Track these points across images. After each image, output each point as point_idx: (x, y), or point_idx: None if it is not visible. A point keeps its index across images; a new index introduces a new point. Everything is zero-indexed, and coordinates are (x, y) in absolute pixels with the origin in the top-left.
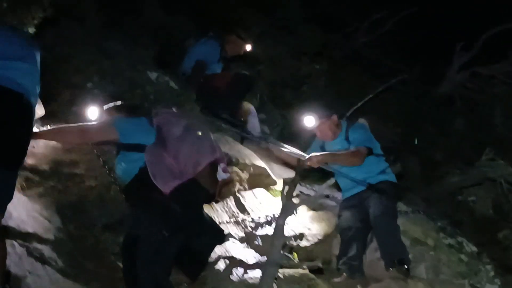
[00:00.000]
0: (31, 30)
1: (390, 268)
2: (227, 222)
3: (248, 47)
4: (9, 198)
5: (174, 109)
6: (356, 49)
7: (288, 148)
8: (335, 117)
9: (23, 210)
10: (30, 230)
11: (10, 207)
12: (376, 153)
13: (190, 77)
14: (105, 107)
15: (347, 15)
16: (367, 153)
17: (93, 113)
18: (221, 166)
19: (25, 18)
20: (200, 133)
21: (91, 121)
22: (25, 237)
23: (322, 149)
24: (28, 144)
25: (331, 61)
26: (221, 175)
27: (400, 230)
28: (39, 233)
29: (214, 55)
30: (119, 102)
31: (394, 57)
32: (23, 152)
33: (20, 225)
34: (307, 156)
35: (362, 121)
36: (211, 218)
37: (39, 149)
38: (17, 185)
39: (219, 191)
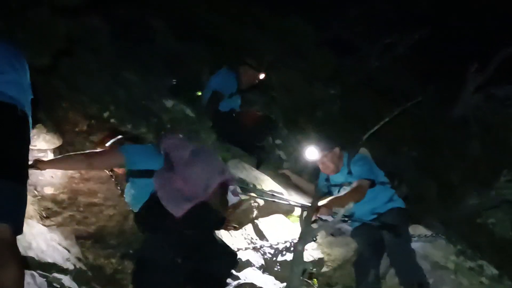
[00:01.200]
0: (47, 61)
1: None
2: (245, 249)
3: (261, 75)
4: (23, 212)
5: (180, 135)
6: (369, 73)
7: (293, 200)
8: (337, 149)
9: (42, 240)
10: (50, 260)
11: (30, 237)
12: (381, 182)
13: (206, 107)
14: (108, 144)
15: (359, 39)
16: (370, 184)
17: None
18: (230, 188)
19: (40, 49)
20: (208, 156)
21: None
22: (44, 267)
23: (327, 181)
24: (28, 155)
25: (344, 86)
26: (231, 199)
27: (416, 254)
28: (58, 263)
29: (229, 86)
30: (120, 136)
31: (407, 80)
32: (24, 163)
33: (40, 255)
34: (312, 205)
35: (363, 151)
36: (222, 241)
37: (57, 179)
38: (36, 215)
39: (228, 215)
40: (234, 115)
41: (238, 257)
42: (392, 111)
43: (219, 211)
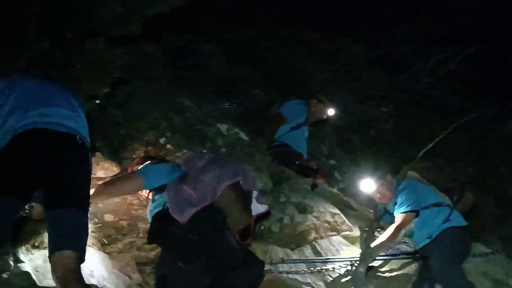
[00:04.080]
0: (105, 89)
1: None
2: (304, 272)
3: (331, 111)
4: (85, 241)
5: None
6: (421, 90)
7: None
8: (389, 176)
9: (104, 267)
10: (112, 287)
11: (91, 264)
12: (434, 203)
13: (266, 128)
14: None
15: (410, 56)
16: (413, 216)
17: None
18: (254, 194)
19: (98, 78)
20: (224, 161)
21: None
22: None
23: (385, 209)
24: (89, 183)
25: (397, 104)
26: (257, 207)
27: (465, 273)
28: None
29: (297, 116)
30: (148, 162)
31: (460, 95)
32: (87, 191)
33: (102, 282)
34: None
35: (412, 175)
36: (244, 251)
37: (116, 206)
38: (97, 243)
39: (254, 226)
40: (298, 162)
41: (263, 268)
42: (446, 128)
43: (237, 216)
